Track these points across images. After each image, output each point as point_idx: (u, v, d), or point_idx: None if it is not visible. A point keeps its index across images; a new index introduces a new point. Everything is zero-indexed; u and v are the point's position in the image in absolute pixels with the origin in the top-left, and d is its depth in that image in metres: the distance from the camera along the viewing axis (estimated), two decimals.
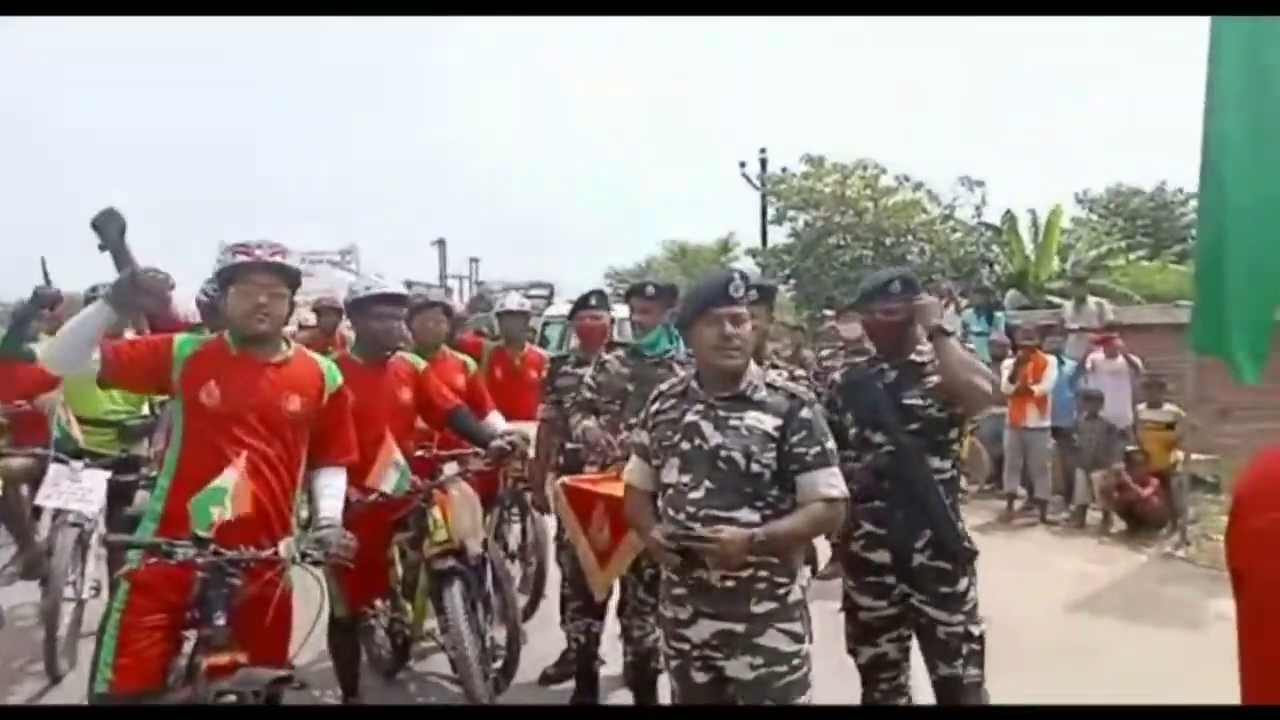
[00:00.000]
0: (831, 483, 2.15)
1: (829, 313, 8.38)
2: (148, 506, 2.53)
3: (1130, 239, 18.59)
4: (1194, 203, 9.63)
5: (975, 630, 2.57)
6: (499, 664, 3.42)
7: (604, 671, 3.66)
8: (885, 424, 2.61)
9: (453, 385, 3.77)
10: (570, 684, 3.68)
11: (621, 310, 4.47)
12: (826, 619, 2.66)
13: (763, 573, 2.13)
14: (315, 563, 2.41)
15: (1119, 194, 23.60)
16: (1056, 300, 12.14)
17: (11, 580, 4.47)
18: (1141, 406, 7.29)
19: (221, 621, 2.21)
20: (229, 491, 2.24)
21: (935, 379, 2.60)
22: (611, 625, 3.57)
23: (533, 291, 12.33)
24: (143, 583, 2.32)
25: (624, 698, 3.56)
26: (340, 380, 2.68)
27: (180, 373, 2.44)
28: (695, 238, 27.01)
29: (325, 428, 2.63)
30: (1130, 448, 6.95)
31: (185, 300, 4.21)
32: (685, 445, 2.20)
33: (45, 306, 4.08)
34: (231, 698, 2.10)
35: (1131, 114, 44.90)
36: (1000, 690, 2.65)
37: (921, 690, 2.72)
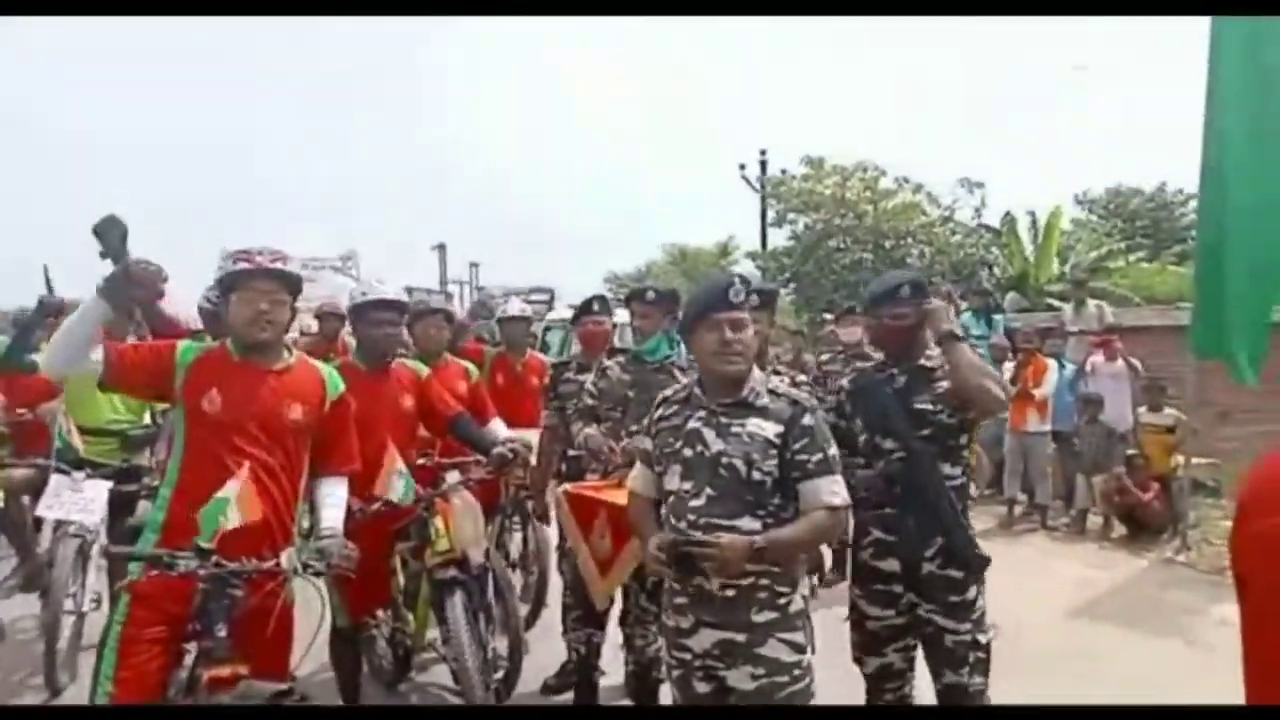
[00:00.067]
0: (834, 490, 2.14)
1: (829, 316, 8.37)
2: (149, 517, 2.52)
3: (1130, 240, 18.61)
4: (1194, 203, 9.64)
5: (982, 639, 2.57)
6: (500, 674, 3.42)
7: (606, 681, 3.65)
8: (896, 430, 2.60)
9: (455, 392, 3.76)
10: (571, 695, 3.67)
11: (623, 315, 4.48)
12: (830, 626, 2.66)
13: (764, 581, 2.12)
14: (317, 573, 2.40)
15: (1119, 194, 23.64)
16: (1056, 303, 12.14)
17: (11, 593, 4.46)
18: (1142, 410, 7.27)
19: (223, 633, 2.20)
20: (231, 501, 2.24)
21: (945, 384, 2.59)
22: (613, 634, 3.56)
23: (533, 296, 12.37)
24: (144, 594, 2.31)
25: None
26: (342, 388, 2.67)
27: (182, 379, 2.43)
28: (695, 241, 27.13)
29: (327, 436, 2.62)
30: (1131, 452, 6.94)
31: (187, 304, 4.20)
32: (687, 452, 2.20)
33: (49, 315, 4.08)
34: None
35: (1131, 114, 44.99)
36: (1000, 695, 2.64)
37: (924, 697, 2.71)
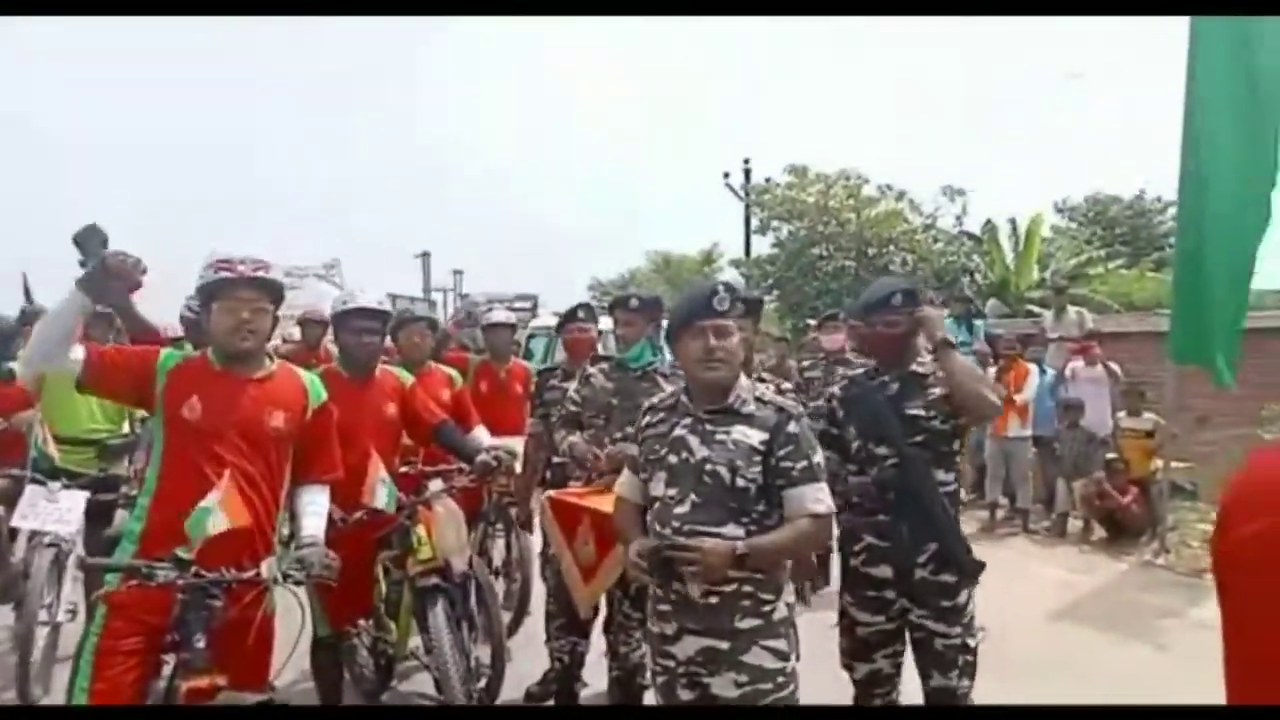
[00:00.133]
0: (818, 498, 2.14)
1: (812, 323, 8.40)
2: (126, 527, 2.49)
3: (1109, 247, 18.81)
4: (1172, 211, 9.74)
5: (971, 642, 2.58)
6: (483, 683, 3.39)
7: (590, 689, 3.63)
8: (889, 436, 2.61)
9: (439, 400, 3.75)
10: (553, 703, 3.65)
11: (607, 323, 4.48)
12: (818, 632, 2.66)
13: (747, 588, 2.12)
14: (297, 583, 2.37)
15: (1098, 202, 23.88)
16: (1037, 309, 12.26)
17: None
18: (1121, 414, 7.35)
19: (201, 644, 2.17)
20: (212, 510, 2.22)
21: (938, 390, 2.61)
22: (597, 642, 3.55)
23: (516, 304, 12.34)
24: (121, 605, 2.28)
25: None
26: (324, 396, 2.65)
27: (163, 386, 2.40)
28: (680, 248, 27.13)
29: (309, 444, 2.60)
30: (1110, 456, 7.01)
31: (175, 305, 4.16)
32: (672, 459, 2.20)
33: (28, 325, 4.03)
34: None
35: (1112, 122, 45.44)
36: (983, 696, 2.66)
37: (911, 699, 2.72)
